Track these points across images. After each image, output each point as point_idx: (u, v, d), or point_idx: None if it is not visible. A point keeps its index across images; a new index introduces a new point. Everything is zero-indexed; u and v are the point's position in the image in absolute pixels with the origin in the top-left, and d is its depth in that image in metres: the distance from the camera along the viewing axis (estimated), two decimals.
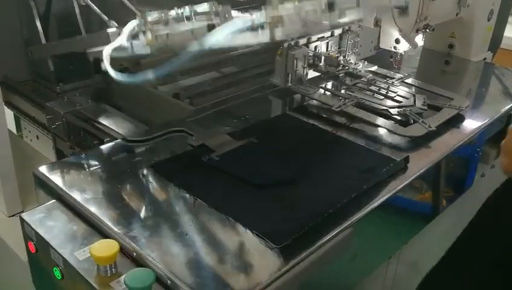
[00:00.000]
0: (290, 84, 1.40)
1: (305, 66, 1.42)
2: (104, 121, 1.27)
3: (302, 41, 1.40)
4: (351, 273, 1.05)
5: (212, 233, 0.86)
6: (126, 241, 0.83)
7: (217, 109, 1.33)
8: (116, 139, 1.16)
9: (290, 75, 1.39)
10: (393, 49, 1.49)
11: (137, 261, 0.81)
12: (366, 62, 1.57)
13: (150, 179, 1.00)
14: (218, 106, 1.35)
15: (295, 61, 1.38)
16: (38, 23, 1.38)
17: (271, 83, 1.42)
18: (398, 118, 1.28)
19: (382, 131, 1.24)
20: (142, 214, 0.90)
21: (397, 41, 1.47)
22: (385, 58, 1.62)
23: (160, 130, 1.17)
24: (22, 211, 1.14)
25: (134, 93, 1.45)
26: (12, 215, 1.13)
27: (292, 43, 1.38)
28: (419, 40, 1.48)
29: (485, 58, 1.85)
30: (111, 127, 1.24)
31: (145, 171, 1.02)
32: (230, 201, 0.93)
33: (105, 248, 0.79)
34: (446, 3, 1.56)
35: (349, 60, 1.54)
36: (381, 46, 1.52)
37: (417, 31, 1.46)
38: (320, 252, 0.86)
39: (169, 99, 1.38)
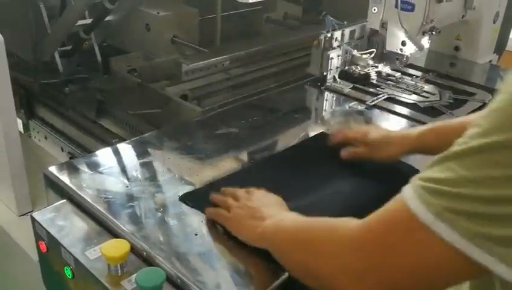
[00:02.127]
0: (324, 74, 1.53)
1: (338, 65, 1.56)
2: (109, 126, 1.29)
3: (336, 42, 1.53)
4: None
5: (223, 231, 0.87)
6: (136, 241, 0.84)
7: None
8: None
9: (323, 67, 1.52)
10: (399, 51, 1.50)
11: (148, 261, 0.82)
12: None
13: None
14: (225, 107, 1.36)
15: (330, 60, 1.51)
16: (45, 18, 1.39)
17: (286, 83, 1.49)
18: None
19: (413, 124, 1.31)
20: (152, 213, 0.91)
21: (403, 43, 1.48)
22: (392, 59, 1.63)
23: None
24: (32, 211, 1.16)
25: (142, 94, 1.46)
26: (22, 215, 1.14)
27: (328, 35, 1.50)
28: (425, 42, 1.49)
29: (490, 61, 1.85)
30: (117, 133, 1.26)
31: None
32: None
33: (116, 247, 0.79)
34: (452, 6, 1.56)
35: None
36: (387, 48, 1.53)
37: (423, 34, 1.47)
38: None
39: (177, 100, 1.39)
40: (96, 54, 1.50)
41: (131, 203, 0.93)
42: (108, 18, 1.53)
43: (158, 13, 1.63)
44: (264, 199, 0.87)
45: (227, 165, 1.08)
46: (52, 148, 1.47)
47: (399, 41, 1.48)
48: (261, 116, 1.32)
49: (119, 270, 0.80)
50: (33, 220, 0.92)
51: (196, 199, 0.95)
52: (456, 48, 1.83)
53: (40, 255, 0.95)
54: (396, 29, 1.46)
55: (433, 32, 1.47)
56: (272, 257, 0.79)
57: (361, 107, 1.42)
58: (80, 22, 1.38)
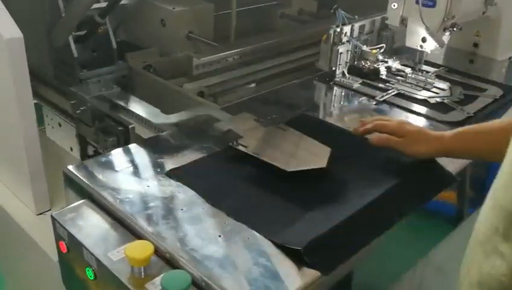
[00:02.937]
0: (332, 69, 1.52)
1: (347, 60, 1.54)
2: (130, 106, 1.27)
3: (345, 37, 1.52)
4: (379, 278, 1.04)
5: (247, 234, 0.85)
6: (159, 242, 0.82)
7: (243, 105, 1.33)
8: (142, 123, 1.17)
9: (332, 62, 1.51)
10: (419, 48, 1.48)
11: (171, 263, 0.81)
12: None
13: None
14: (243, 103, 1.34)
15: (339, 56, 1.49)
16: (60, 0, 1.36)
17: (297, 79, 1.48)
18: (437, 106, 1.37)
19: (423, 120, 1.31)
20: (175, 214, 0.89)
21: (424, 40, 1.45)
22: (410, 52, 1.62)
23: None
24: (50, 209, 1.15)
25: (158, 88, 1.45)
26: (40, 214, 1.13)
27: (338, 30, 1.48)
28: (445, 38, 1.47)
29: (510, 58, 1.82)
30: (137, 112, 1.24)
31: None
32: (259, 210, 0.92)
33: (140, 249, 0.78)
34: (473, 2, 1.53)
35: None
36: (407, 45, 1.51)
37: (444, 30, 1.44)
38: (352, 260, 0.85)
39: (195, 97, 1.37)
40: (111, 40, 1.46)
41: (152, 204, 0.91)
42: (123, 1, 1.50)
43: (174, 8, 1.61)
44: None
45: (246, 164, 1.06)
46: (65, 135, 1.45)
47: (419, 37, 1.46)
48: (279, 113, 1.30)
49: (143, 273, 0.79)
50: (53, 220, 0.91)
51: (182, 174, 0.98)
52: (475, 45, 1.80)
53: (60, 255, 0.94)
54: (417, 25, 1.43)
55: (454, 29, 1.44)
56: (302, 258, 0.78)
57: (370, 103, 1.40)
58: (95, 6, 1.35)
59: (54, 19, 1.41)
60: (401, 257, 1.12)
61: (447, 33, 1.45)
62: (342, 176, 1.02)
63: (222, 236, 0.85)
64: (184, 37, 1.65)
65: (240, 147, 1.04)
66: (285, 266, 0.80)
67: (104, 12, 1.37)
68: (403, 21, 1.50)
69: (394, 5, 1.49)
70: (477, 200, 1.34)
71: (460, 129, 1.04)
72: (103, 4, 1.37)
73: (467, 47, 1.81)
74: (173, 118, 1.19)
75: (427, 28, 1.41)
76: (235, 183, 0.98)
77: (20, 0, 1.23)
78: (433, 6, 1.40)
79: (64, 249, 0.90)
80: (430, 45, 1.45)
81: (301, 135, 1.11)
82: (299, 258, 0.80)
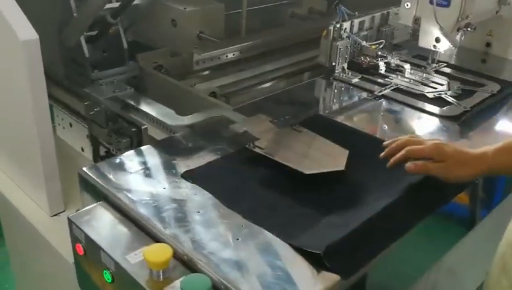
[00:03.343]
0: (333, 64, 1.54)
1: (347, 55, 1.55)
2: (144, 108, 1.27)
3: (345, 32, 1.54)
4: (393, 281, 1.03)
5: (265, 238, 0.85)
6: (177, 245, 0.82)
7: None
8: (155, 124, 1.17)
9: (332, 58, 1.53)
10: (433, 48, 1.46)
11: (189, 266, 0.80)
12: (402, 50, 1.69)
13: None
14: (256, 104, 1.33)
15: (338, 51, 1.51)
16: (72, 1, 1.36)
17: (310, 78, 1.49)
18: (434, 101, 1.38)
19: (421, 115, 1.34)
20: (192, 216, 0.89)
21: (437, 40, 1.44)
22: (409, 48, 1.70)
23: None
24: (64, 211, 1.14)
25: (169, 89, 1.44)
26: (54, 215, 1.13)
27: (337, 26, 1.50)
28: (459, 38, 1.45)
29: None
30: (152, 113, 1.23)
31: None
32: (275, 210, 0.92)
33: (159, 252, 0.78)
34: (487, 1, 1.52)
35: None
36: (420, 45, 1.50)
37: (458, 30, 1.43)
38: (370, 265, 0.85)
39: (207, 98, 1.37)
40: (122, 40, 1.45)
41: (169, 206, 0.91)
42: (136, 2, 1.50)
43: (185, 8, 1.61)
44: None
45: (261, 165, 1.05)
46: (76, 136, 1.45)
47: (433, 37, 1.45)
48: (293, 113, 1.29)
49: (161, 276, 0.78)
50: (70, 222, 0.91)
51: (198, 176, 0.97)
52: (488, 44, 1.79)
53: (76, 257, 0.93)
54: (431, 25, 1.42)
55: (469, 29, 1.43)
56: (322, 261, 0.77)
57: (369, 98, 1.42)
58: (108, 6, 1.34)
59: (65, 18, 1.40)
60: (415, 260, 1.11)
61: (461, 33, 1.44)
62: (358, 178, 1.01)
63: (240, 239, 0.84)
64: (195, 37, 1.64)
65: (257, 149, 1.04)
66: (303, 270, 0.79)
67: (117, 13, 1.36)
68: (416, 21, 1.48)
69: (407, 5, 1.48)
70: (488, 202, 1.34)
71: (503, 143, 0.96)
72: (116, 4, 1.37)
73: (480, 47, 1.80)
74: (188, 120, 1.18)
75: (441, 28, 1.40)
76: (252, 185, 0.97)
77: (31, 0, 1.23)
78: (448, 6, 1.39)
79: (81, 252, 0.90)
80: (444, 45, 1.44)
81: (317, 136, 1.11)
82: (317, 261, 0.80)
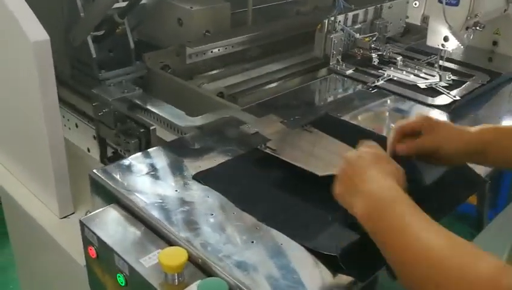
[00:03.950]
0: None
1: (341, 48, 1.61)
2: (153, 108, 1.26)
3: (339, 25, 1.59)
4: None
5: (280, 240, 0.84)
6: (192, 249, 0.81)
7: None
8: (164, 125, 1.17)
9: (327, 50, 1.58)
10: (441, 47, 1.46)
11: (204, 269, 0.80)
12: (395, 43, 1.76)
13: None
14: (264, 104, 1.33)
15: (333, 43, 1.57)
16: (79, 1, 1.35)
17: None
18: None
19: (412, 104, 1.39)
20: (206, 219, 0.88)
21: (446, 39, 1.44)
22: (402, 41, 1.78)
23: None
24: (74, 213, 1.14)
25: (177, 89, 1.43)
26: (64, 217, 1.12)
27: (332, 18, 1.55)
28: (468, 37, 1.45)
29: None
30: (161, 114, 1.23)
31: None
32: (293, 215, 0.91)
33: (174, 255, 0.77)
34: (497, 0, 1.51)
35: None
36: (428, 44, 1.50)
37: (467, 29, 1.43)
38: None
39: (215, 98, 1.36)
40: (129, 39, 1.44)
41: (182, 208, 0.90)
42: (143, 1, 1.49)
43: (191, 8, 1.60)
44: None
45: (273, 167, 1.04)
46: (83, 137, 1.44)
47: (441, 36, 1.44)
48: (302, 113, 1.28)
49: (176, 280, 0.77)
50: (82, 224, 0.90)
51: (209, 178, 0.97)
52: (494, 43, 1.78)
53: (88, 260, 0.93)
54: (439, 24, 1.42)
55: (477, 27, 1.43)
56: (340, 266, 0.77)
57: (363, 89, 1.47)
58: (115, 5, 1.33)
59: (72, 18, 1.39)
60: None
61: (469, 32, 1.44)
62: None
63: (254, 242, 0.83)
64: (201, 36, 1.63)
65: (268, 150, 1.03)
66: (319, 273, 0.79)
67: (124, 12, 1.35)
68: (424, 19, 1.48)
69: (416, 4, 1.48)
70: (494, 201, 1.34)
71: (490, 127, 0.95)
72: (123, 4, 1.36)
73: (486, 45, 1.79)
74: (198, 121, 1.17)
75: (450, 27, 1.40)
76: (264, 187, 0.97)
77: (39, 0, 1.22)
78: (457, 4, 1.38)
79: (93, 255, 0.89)
80: (452, 44, 1.44)
81: (328, 137, 1.10)
82: (333, 264, 0.79)
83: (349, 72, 1.56)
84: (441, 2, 1.37)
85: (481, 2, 1.39)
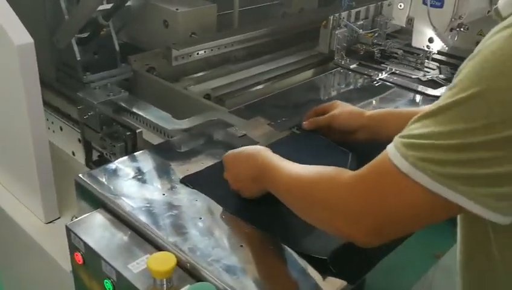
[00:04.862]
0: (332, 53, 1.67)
1: (345, 43, 1.69)
2: (139, 111, 1.25)
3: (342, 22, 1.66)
4: (391, 283, 1.03)
5: (269, 243, 0.84)
6: (180, 253, 0.80)
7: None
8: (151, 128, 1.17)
9: (331, 45, 1.67)
10: (426, 48, 1.47)
11: (193, 274, 0.79)
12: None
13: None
14: (252, 106, 1.32)
15: (337, 39, 1.64)
16: (63, 4, 1.33)
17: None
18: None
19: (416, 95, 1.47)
20: (194, 223, 0.87)
21: (431, 40, 1.45)
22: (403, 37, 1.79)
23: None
24: (59, 218, 1.12)
25: (163, 91, 1.42)
26: (49, 222, 1.11)
27: (337, 15, 1.63)
28: (452, 39, 1.46)
29: None
30: (148, 117, 1.22)
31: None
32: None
33: (162, 260, 0.76)
34: (479, 1, 1.52)
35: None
36: (413, 45, 1.51)
37: (451, 30, 1.44)
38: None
39: (202, 100, 1.35)
40: (114, 42, 1.43)
41: (170, 213, 0.90)
42: (128, 3, 1.48)
43: (177, 9, 1.59)
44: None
45: None
46: (67, 140, 1.42)
47: (426, 37, 1.46)
48: (289, 115, 1.28)
49: (165, 285, 0.77)
50: (68, 230, 0.89)
51: (197, 181, 0.97)
52: (478, 43, 1.79)
53: (74, 266, 0.91)
54: (424, 25, 1.43)
55: (461, 29, 1.44)
56: (329, 267, 0.77)
57: (367, 82, 1.54)
58: (100, 8, 1.32)
59: (56, 21, 1.38)
60: (415, 261, 1.11)
61: (454, 33, 1.45)
62: None
63: (243, 245, 0.83)
64: (187, 38, 1.62)
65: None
66: (308, 276, 0.79)
67: (109, 14, 1.34)
68: (409, 21, 1.49)
69: (400, 5, 1.49)
70: None
71: (380, 110, 1.10)
72: (107, 6, 1.34)
73: (470, 46, 1.79)
74: (185, 123, 1.16)
75: (434, 29, 1.41)
76: None
77: (22, 3, 1.20)
78: (441, 6, 1.39)
79: (79, 261, 0.88)
80: (437, 45, 1.45)
81: (317, 138, 1.10)
82: (322, 267, 0.79)
83: (354, 66, 1.62)
84: (426, 4, 1.38)
85: (465, 4, 1.40)
